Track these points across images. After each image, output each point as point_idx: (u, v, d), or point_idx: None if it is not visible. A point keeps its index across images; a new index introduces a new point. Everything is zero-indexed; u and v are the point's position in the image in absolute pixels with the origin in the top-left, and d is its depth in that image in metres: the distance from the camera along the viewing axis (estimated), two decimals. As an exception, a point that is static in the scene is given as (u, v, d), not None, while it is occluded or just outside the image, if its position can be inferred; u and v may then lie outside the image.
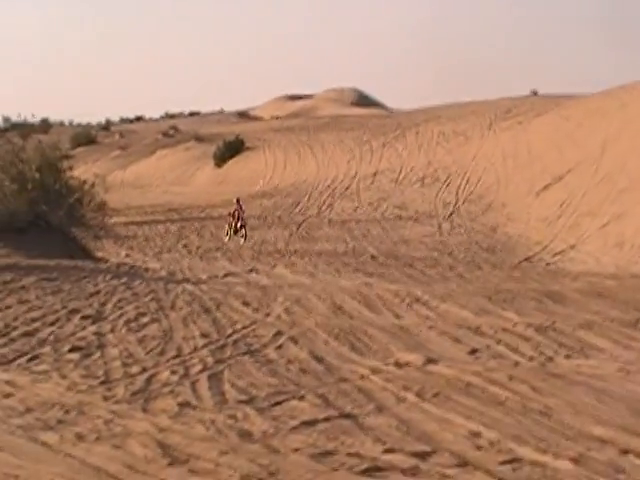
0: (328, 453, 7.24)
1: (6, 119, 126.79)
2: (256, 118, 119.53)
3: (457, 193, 41.11)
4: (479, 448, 7.32)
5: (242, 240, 32.59)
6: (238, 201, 35.19)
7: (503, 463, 6.92)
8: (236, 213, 34.19)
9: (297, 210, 41.97)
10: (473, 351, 11.36)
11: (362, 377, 10.01)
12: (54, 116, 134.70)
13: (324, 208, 42.01)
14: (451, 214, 36.68)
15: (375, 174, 49.99)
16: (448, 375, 9.95)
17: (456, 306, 14.75)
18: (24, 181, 24.32)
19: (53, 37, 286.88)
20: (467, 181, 42.53)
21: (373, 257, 24.67)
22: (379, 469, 6.86)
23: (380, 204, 41.32)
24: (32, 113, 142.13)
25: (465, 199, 39.72)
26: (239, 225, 33.61)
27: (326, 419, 8.25)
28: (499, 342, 11.87)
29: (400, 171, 48.83)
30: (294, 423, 8.13)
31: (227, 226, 33.99)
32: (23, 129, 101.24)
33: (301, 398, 9.09)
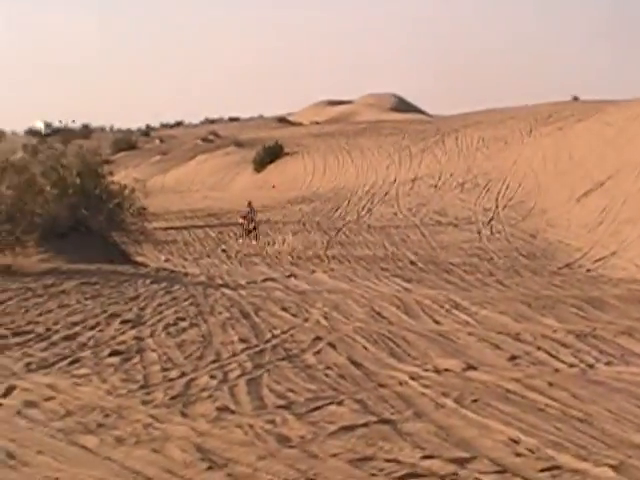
0: (366, 459, 7.22)
1: (48, 125, 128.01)
2: (295, 123, 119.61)
3: (497, 199, 40.90)
4: (518, 455, 7.28)
5: (254, 241, 33.71)
6: (250, 204, 36.59)
7: (542, 470, 6.87)
8: (249, 215, 35.55)
9: (336, 215, 41.93)
10: (513, 357, 11.29)
11: (401, 383, 9.98)
12: (95, 122, 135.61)
13: (363, 213, 41.94)
14: (491, 220, 36.49)
15: (414, 180, 49.86)
16: (487, 381, 9.90)
17: (495, 312, 14.68)
18: (65, 186, 24.49)
19: (96, 43, 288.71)
20: (507, 187, 42.31)
21: (412, 263, 24.60)
22: (417, 475, 6.84)
23: (419, 210, 41.20)
24: (73, 119, 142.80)
25: (505, 205, 39.51)
26: (252, 227, 34.89)
27: (364, 424, 8.23)
28: (539, 349, 11.79)
29: (439, 177, 48.66)
30: (332, 428, 8.12)
31: (241, 229, 35.30)
32: (64, 135, 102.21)
33: (340, 403, 9.07)
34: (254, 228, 34.80)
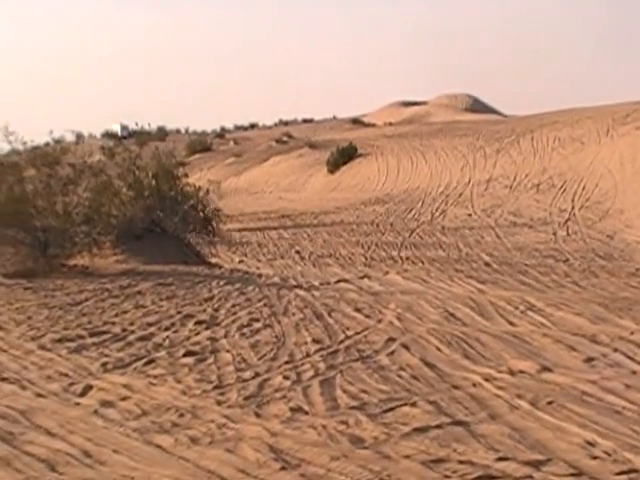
0: (440, 460, 7.19)
1: (124, 127, 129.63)
2: (369, 125, 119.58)
3: (573, 200, 40.44)
4: (594, 458, 7.18)
5: None
6: None
7: (619, 474, 6.78)
8: None
9: (410, 216, 41.79)
10: (589, 359, 11.15)
11: (474, 384, 9.92)
12: (170, 124, 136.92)
13: (437, 215, 41.75)
14: (567, 221, 36.06)
15: (489, 180, 49.52)
16: (563, 383, 9.79)
17: (571, 314, 14.51)
18: (141, 188, 24.74)
19: (172, 46, 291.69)
20: (583, 187, 41.81)
21: (486, 264, 24.41)
22: (492, 477, 6.79)
23: (494, 211, 40.88)
24: (149, 122, 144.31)
25: (581, 206, 39.06)
26: None
27: (438, 426, 8.19)
28: (615, 350, 11.63)
29: (514, 177, 48.26)
30: (406, 430, 8.10)
31: None
32: (140, 137, 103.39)
33: (413, 405, 9.04)
34: None
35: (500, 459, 7.15)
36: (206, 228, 25.70)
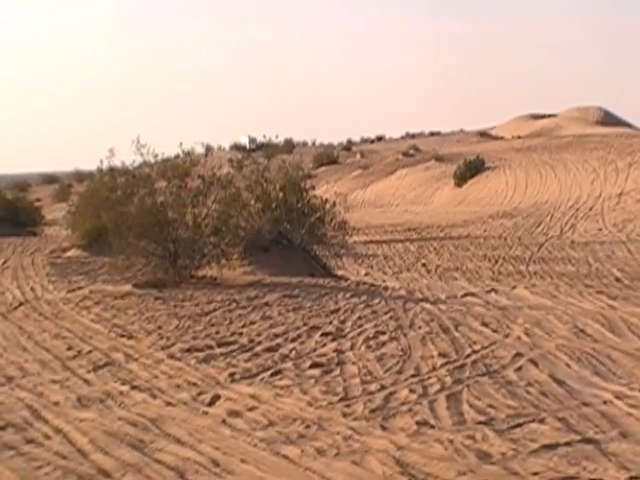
0: (570, 478, 7.07)
1: (252, 140, 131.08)
2: (497, 137, 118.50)
3: None
4: None
5: None
6: None
7: None
8: None
9: (538, 231, 41.26)
10: None
11: (605, 402, 9.73)
12: (297, 136, 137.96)
13: (566, 229, 41.13)
14: (703, 236, 35.18)
15: (620, 195, 48.59)
16: (698, 403, 9.53)
17: None
18: (268, 200, 24.94)
19: (299, 60, 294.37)
20: None
21: (617, 279, 23.91)
22: (623, 497, 6.65)
23: (625, 225, 40.09)
24: (276, 134, 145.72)
25: None
26: None
27: (567, 443, 8.06)
28: None
29: (647, 192, 47.37)
30: (534, 446, 7.98)
31: None
32: (268, 149, 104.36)
33: (541, 421, 8.91)
34: None
35: (632, 478, 7.00)
36: (332, 240, 25.72)
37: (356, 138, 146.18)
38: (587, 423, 8.83)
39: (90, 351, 13.56)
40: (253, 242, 23.92)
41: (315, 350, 13.07)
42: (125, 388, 11.12)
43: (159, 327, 15.29)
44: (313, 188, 27.18)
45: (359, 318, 15.84)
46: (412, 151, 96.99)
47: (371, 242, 38.94)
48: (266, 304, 17.52)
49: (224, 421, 9.32)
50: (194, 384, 11.19)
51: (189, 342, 13.86)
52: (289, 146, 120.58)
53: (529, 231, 41.27)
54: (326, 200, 26.41)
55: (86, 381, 11.67)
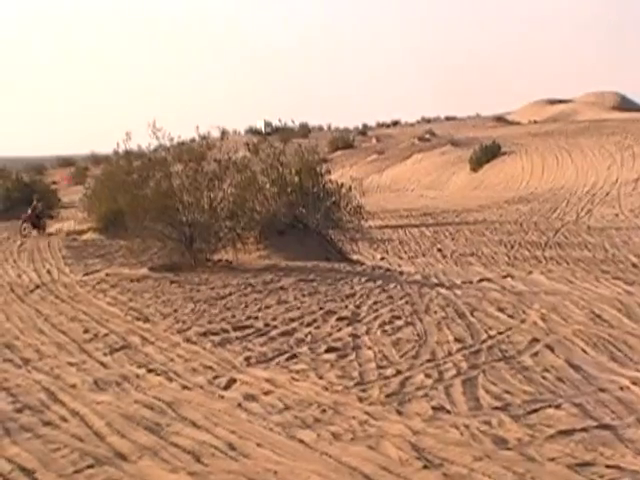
0: (586, 464, 7.05)
1: (268, 124, 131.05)
2: (513, 122, 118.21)
3: None
4: None
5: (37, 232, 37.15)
6: (34, 208, 38.77)
7: None
8: (32, 214, 38.21)
9: (554, 216, 41.13)
10: None
11: (622, 388, 9.70)
12: (313, 121, 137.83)
13: (582, 214, 40.99)
14: None
15: (637, 180, 48.41)
16: None
17: None
18: (284, 184, 24.93)
19: (317, 44, 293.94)
20: None
21: (634, 265, 23.82)
22: (640, 483, 6.63)
23: (642, 211, 39.99)
24: (292, 118, 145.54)
25: None
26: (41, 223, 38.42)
27: (584, 429, 8.04)
28: None
29: (664, 177, 47.22)
30: (550, 432, 7.97)
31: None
32: (284, 133, 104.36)
33: (558, 407, 8.89)
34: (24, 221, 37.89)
35: (649, 465, 6.98)
36: (348, 225, 25.68)
37: (372, 122, 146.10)
38: (604, 409, 8.81)
39: (106, 334, 13.60)
40: (269, 226, 23.92)
41: (331, 334, 13.07)
42: (141, 371, 11.15)
43: (175, 310, 15.32)
44: (329, 172, 27.13)
45: (375, 303, 15.82)
46: (428, 136, 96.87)
47: (387, 227, 38.90)
48: (282, 288, 17.53)
49: (240, 405, 9.33)
50: (210, 368, 11.21)
51: (205, 326, 13.88)
52: (305, 130, 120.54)
53: (545, 216, 41.15)
54: (342, 184, 26.37)
55: (102, 364, 11.70)
